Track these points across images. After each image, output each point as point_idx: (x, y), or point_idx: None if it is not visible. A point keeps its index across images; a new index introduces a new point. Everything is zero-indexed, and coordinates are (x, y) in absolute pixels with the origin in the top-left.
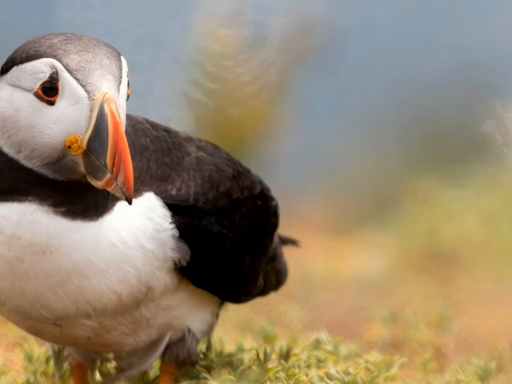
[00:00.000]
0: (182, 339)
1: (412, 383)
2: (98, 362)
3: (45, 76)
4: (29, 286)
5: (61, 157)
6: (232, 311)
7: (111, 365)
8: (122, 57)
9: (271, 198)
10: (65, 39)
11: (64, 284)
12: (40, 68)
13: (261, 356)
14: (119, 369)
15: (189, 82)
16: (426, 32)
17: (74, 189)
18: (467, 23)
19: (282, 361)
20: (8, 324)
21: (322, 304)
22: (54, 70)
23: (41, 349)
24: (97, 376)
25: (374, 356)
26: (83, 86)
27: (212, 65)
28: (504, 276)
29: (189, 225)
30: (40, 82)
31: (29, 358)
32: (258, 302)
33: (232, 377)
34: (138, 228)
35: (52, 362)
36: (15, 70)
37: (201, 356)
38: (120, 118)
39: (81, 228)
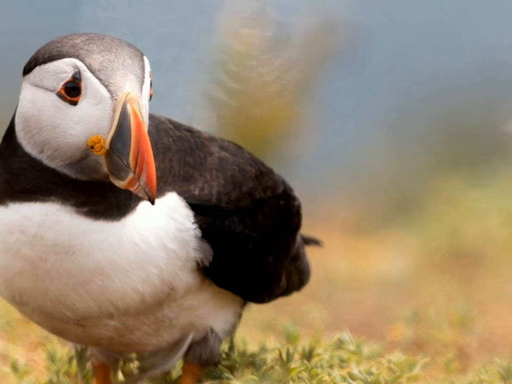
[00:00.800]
0: (204, 339)
1: (434, 383)
2: (121, 362)
3: (68, 76)
4: (51, 286)
5: (83, 157)
6: (255, 311)
7: (134, 365)
8: (145, 57)
9: (293, 198)
10: (87, 39)
11: (87, 284)
12: (63, 68)
13: (284, 356)
14: (142, 369)
15: (212, 82)
16: (450, 31)
17: (97, 189)
18: (490, 22)
19: (305, 361)
20: (30, 323)
21: (345, 304)
22: (77, 70)
23: (64, 349)
24: (120, 376)
25: (397, 356)
26: (106, 86)
27: (234, 65)
28: None
29: (212, 225)
30: (62, 82)
31: (52, 358)
32: (281, 302)
33: (255, 377)
34: (161, 228)
35: (74, 362)
36: (37, 70)
37: (224, 355)
38: (142, 118)
39: (104, 228)
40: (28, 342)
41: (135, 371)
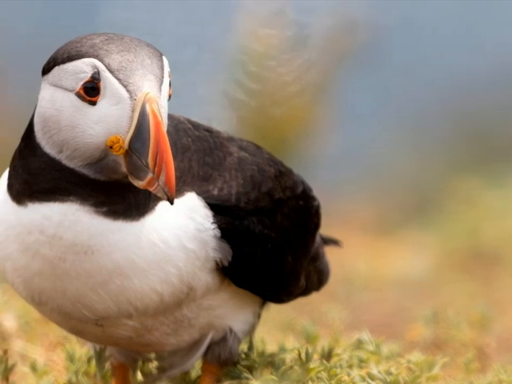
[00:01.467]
0: (223, 339)
1: (453, 383)
2: (139, 362)
3: (87, 76)
4: (70, 286)
5: (102, 157)
6: (274, 311)
7: (153, 365)
8: (164, 57)
9: (313, 198)
10: (107, 39)
11: (106, 284)
12: (82, 68)
13: (303, 356)
14: (161, 369)
15: (231, 82)
16: (470, 32)
17: (115, 189)
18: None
19: (324, 361)
20: (49, 323)
21: (364, 304)
22: (96, 70)
23: (82, 349)
24: (139, 376)
25: (416, 356)
26: (125, 86)
27: (254, 65)
28: None
29: (231, 225)
30: (81, 82)
31: (71, 358)
32: (300, 302)
33: (274, 377)
34: (180, 227)
35: (93, 362)
36: (56, 70)
37: (243, 355)
38: (161, 118)
39: (122, 227)
40: (47, 342)
41: (154, 371)
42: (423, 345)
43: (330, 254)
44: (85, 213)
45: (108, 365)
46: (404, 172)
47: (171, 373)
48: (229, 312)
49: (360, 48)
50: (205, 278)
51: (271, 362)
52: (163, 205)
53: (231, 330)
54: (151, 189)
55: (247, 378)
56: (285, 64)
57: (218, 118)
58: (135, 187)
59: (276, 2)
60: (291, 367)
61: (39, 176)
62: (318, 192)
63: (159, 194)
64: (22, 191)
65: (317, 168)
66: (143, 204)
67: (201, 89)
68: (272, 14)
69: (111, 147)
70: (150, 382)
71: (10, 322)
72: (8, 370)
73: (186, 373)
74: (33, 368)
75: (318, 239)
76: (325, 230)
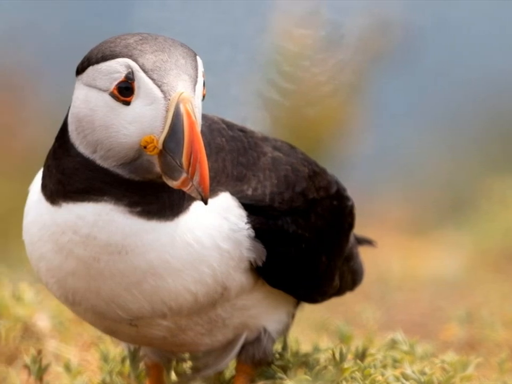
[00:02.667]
0: (258, 339)
1: (487, 383)
2: (174, 362)
3: (121, 76)
4: (104, 286)
5: (136, 157)
6: (308, 311)
7: (187, 365)
8: (198, 57)
9: (347, 198)
10: (141, 39)
11: (140, 284)
12: (116, 68)
13: (337, 356)
14: (195, 369)
15: (265, 82)
16: (504, 32)
17: (149, 189)
18: None
19: (358, 361)
20: (83, 324)
21: (398, 304)
22: (130, 70)
23: (116, 349)
24: (173, 376)
25: (450, 356)
26: (159, 86)
27: (288, 65)
28: None
29: (265, 225)
30: (116, 82)
31: (105, 358)
32: (334, 302)
33: (308, 377)
34: (214, 227)
35: (127, 362)
36: (90, 70)
37: (277, 355)
38: (195, 118)
39: (156, 228)
40: (80, 342)
41: (188, 371)
42: (457, 345)
43: (365, 254)
44: (119, 213)
45: (142, 365)
46: (438, 171)
47: (205, 373)
48: (263, 312)
49: (394, 48)
50: (239, 278)
51: (305, 362)
52: (197, 205)
53: (265, 330)
54: (185, 189)
55: (281, 378)
56: (319, 64)
57: (252, 118)
58: (169, 187)
59: (310, 2)
60: (325, 367)
61: (73, 176)
62: (352, 192)
63: (193, 194)
64: (56, 191)
65: (351, 168)
66: (177, 203)
67: (235, 89)
68: (307, 14)
69: (145, 147)
70: (184, 382)
71: (44, 322)
72: (42, 370)
73: (220, 373)
74: (67, 368)
75: (352, 239)
76: (359, 230)
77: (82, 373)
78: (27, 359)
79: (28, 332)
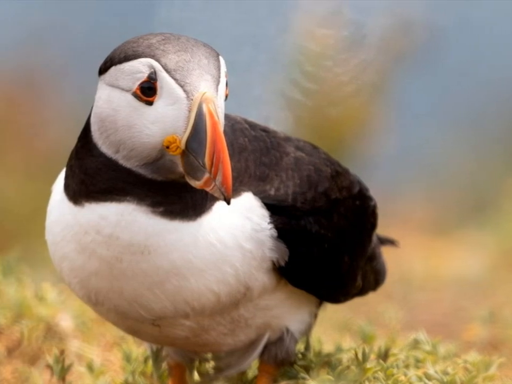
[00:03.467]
0: (280, 339)
1: (510, 383)
2: (196, 362)
3: (144, 76)
4: (127, 286)
5: (159, 157)
6: (330, 311)
7: (210, 365)
8: (220, 57)
9: (369, 198)
10: (163, 39)
11: (163, 284)
12: (139, 68)
13: (360, 355)
14: (218, 369)
15: (288, 82)
16: None
17: (172, 189)
18: None
19: (381, 361)
20: (106, 324)
21: (421, 304)
22: (153, 70)
23: (139, 349)
24: (196, 376)
25: (473, 356)
26: (181, 86)
27: (310, 65)
28: None
29: (288, 225)
30: (138, 82)
31: (127, 358)
32: (356, 302)
33: (330, 377)
34: (237, 227)
35: (150, 362)
36: (113, 70)
37: (300, 355)
38: (218, 118)
39: (179, 228)
40: (103, 342)
41: (211, 371)
42: (479, 345)
43: (387, 254)
44: (142, 213)
45: (164, 365)
46: (460, 171)
47: (228, 373)
48: (286, 312)
49: (417, 48)
50: (262, 278)
51: (328, 362)
52: (220, 205)
53: (287, 330)
54: (207, 189)
55: (303, 378)
56: (342, 64)
57: (275, 118)
58: (192, 187)
59: (333, 2)
60: (348, 367)
61: (96, 176)
62: (375, 192)
63: (216, 194)
64: (79, 191)
65: (373, 168)
66: (199, 204)
67: (258, 89)
68: (329, 14)
69: (167, 147)
70: (207, 382)
71: (67, 322)
72: (65, 370)
73: (243, 373)
74: (90, 368)
75: (374, 239)
76: (381, 230)
77: (105, 373)
78: (50, 359)
79: (51, 332)
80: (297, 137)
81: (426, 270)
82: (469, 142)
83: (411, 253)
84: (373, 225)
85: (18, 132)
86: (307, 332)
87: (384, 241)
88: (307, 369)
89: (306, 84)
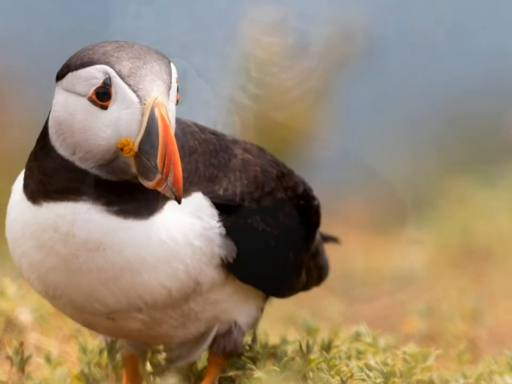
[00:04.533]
0: (228, 332)
1: (447, 374)
2: (149, 354)
3: (99, 82)
4: (83, 281)
5: (113, 159)
6: (276, 305)
7: (161, 356)
8: (172, 64)
9: (313, 198)
10: (117, 47)
11: (117, 279)
12: (94, 74)
13: (304, 347)
14: (169, 360)
15: (236, 88)
16: (462, 39)
17: (126, 189)
18: (502, 31)
19: (324, 352)
20: (63, 317)
21: (362, 298)
22: (107, 76)
23: (95, 341)
24: (148, 366)
25: (411, 348)
26: (135, 91)
27: (257, 71)
28: None
29: (235, 224)
30: (94, 88)
31: (83, 350)
32: (301, 296)
33: (276, 368)
34: (187, 226)
35: (105, 353)
36: (70, 76)
37: (247, 347)
38: (169, 122)
39: (133, 226)
40: (60, 335)
41: (163, 362)
42: (417, 338)
43: (330, 251)
44: (97, 211)
45: (118, 356)
46: (399, 172)
47: (179, 363)
48: (234, 306)
49: (358, 55)
50: (211, 273)
51: (274, 354)
52: (171, 205)
53: (235, 323)
54: (159, 189)
55: (250, 369)
56: (287, 70)
57: (223, 122)
58: (144, 187)
59: (278, 12)
60: (292, 359)
61: (53, 177)
62: (318, 192)
63: (167, 194)
64: (37, 191)
65: (317, 169)
66: (152, 203)
67: (207, 94)
68: (275, 23)
69: (121, 149)
70: (158, 372)
71: (26, 316)
72: (24, 362)
73: (193, 364)
74: (48, 359)
75: (318, 236)
76: (324, 228)
77: (62, 364)
78: (10, 351)
79: (10, 325)
80: (244, 140)
81: (367, 266)
82: (407, 145)
83: (352, 249)
84: (316, 224)
85: None
86: (254, 325)
87: (327, 238)
88: (254, 360)
89: (253, 89)
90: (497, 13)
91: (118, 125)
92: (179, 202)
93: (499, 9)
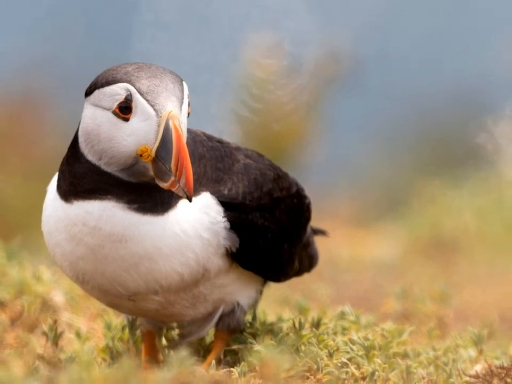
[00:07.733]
0: (232, 311)
1: (419, 347)
2: (164, 330)
3: (121, 98)
4: (108, 268)
5: (134, 163)
6: (273, 289)
7: (175, 332)
8: (184, 82)
9: (305, 197)
10: (137, 67)
11: (137, 266)
12: (117, 91)
13: (297, 325)
14: (181, 336)
15: (238, 102)
16: (433, 61)
17: (144, 189)
18: (466, 55)
19: (314, 329)
20: (91, 299)
21: (346, 282)
22: (129, 92)
23: (118, 319)
24: (164, 341)
25: (388, 325)
26: (152, 106)
27: (256, 88)
28: (495, 260)
29: (238, 219)
30: (117, 103)
31: (108, 327)
32: (294, 281)
33: (273, 342)
34: (197, 221)
35: (126, 330)
36: (97, 92)
37: (248, 325)
38: (182, 132)
39: (150, 221)
40: (88, 314)
41: (176, 337)
42: (394, 316)
43: (319, 242)
44: (120, 208)
45: (138, 332)
46: (379, 176)
47: (189, 339)
48: (237, 289)
49: (344, 73)
50: (217, 261)
51: (271, 330)
52: (183, 203)
53: (238, 304)
54: (173, 189)
55: (251, 343)
56: (282, 87)
57: (228, 132)
58: (160, 188)
59: (275, 37)
60: (287, 334)
61: (82, 179)
62: (310, 192)
63: (180, 194)
64: (69, 191)
65: (308, 172)
66: (167, 201)
67: (214, 108)
68: (272, 46)
69: (141, 155)
70: (172, 346)
71: (59, 298)
72: (57, 337)
73: (202, 339)
74: (78, 335)
75: (309, 230)
76: (315, 222)
77: (90, 339)
78: (45, 328)
79: (46, 305)
80: (246, 147)
81: (351, 255)
82: (385, 152)
83: (338, 241)
84: (308, 219)
85: (19, 142)
86: (254, 305)
87: (317, 231)
88: (254, 336)
89: (253, 103)
90: (462, 39)
91: (137, 134)
92: (190, 200)
93: (464, 36)
